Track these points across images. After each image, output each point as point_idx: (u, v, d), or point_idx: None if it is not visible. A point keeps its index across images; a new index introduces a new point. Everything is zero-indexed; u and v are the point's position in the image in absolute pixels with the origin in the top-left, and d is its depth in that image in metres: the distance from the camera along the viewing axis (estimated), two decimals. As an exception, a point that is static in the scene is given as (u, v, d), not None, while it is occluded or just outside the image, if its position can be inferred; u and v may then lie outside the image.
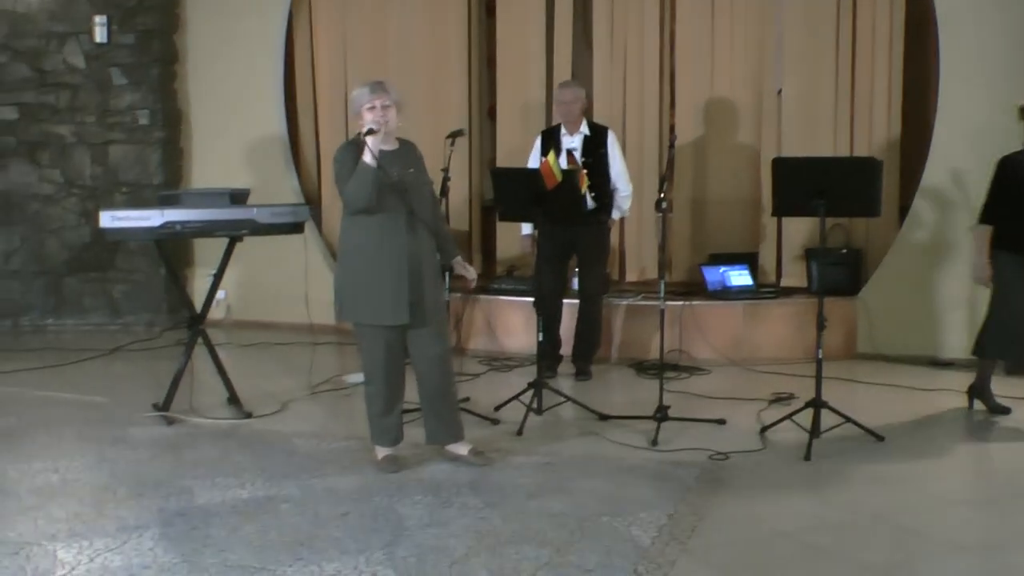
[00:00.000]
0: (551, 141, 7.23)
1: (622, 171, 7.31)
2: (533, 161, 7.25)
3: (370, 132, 4.90)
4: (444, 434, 5.28)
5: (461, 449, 5.27)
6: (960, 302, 7.54)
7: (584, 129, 7.24)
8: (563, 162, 6.81)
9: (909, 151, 8.07)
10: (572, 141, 7.20)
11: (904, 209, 7.90)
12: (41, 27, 9.12)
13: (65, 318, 9.32)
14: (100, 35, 9.10)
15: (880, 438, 5.59)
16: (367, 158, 4.89)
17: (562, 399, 6.34)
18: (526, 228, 7.45)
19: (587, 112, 7.63)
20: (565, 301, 7.42)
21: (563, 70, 8.68)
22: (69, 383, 7.12)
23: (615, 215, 7.39)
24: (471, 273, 5.48)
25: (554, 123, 7.34)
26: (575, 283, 7.53)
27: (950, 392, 6.69)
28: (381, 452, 5.21)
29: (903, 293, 7.76)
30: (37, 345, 8.50)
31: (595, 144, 7.22)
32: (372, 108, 4.96)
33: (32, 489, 4.86)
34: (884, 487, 4.92)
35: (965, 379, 6.49)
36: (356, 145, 5.00)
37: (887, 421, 5.95)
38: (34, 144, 9.19)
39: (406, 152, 5.17)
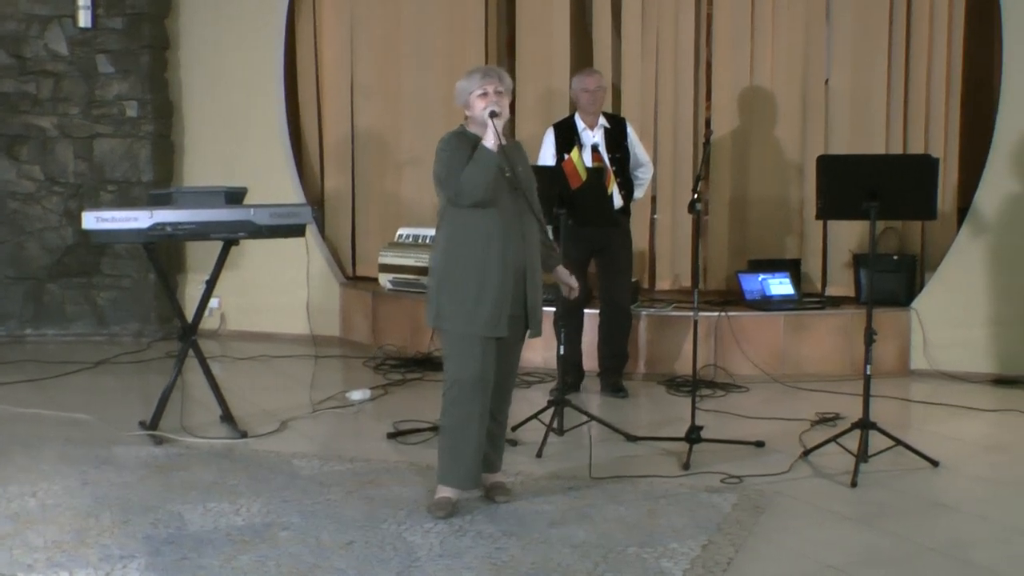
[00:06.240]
0: (568, 135, 7.08)
1: (643, 153, 7.32)
2: (545, 157, 7.09)
3: (493, 114, 4.75)
4: (491, 463, 5.09)
5: (495, 479, 5.14)
6: (1026, 313, 7.52)
7: (603, 121, 7.16)
8: (587, 159, 6.81)
9: (970, 147, 8.04)
10: (593, 136, 7.11)
11: (963, 211, 7.88)
12: (21, 10, 9.16)
13: (46, 328, 9.36)
14: (85, 19, 9.11)
15: (935, 463, 5.56)
16: (489, 142, 4.72)
17: (586, 418, 6.33)
18: None
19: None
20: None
21: (588, 59, 8.69)
22: (50, 399, 7.14)
23: (637, 193, 7.34)
24: (573, 282, 5.24)
25: (574, 114, 7.30)
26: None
27: (1015, 413, 6.69)
28: (445, 492, 4.90)
29: (962, 303, 7.72)
30: (15, 357, 8.53)
31: (617, 137, 7.16)
32: (484, 94, 4.82)
33: (8, 515, 4.87)
34: (942, 517, 4.91)
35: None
36: (463, 136, 4.86)
37: (943, 445, 5.92)
38: (13, 137, 9.24)
39: (518, 149, 5.08)
